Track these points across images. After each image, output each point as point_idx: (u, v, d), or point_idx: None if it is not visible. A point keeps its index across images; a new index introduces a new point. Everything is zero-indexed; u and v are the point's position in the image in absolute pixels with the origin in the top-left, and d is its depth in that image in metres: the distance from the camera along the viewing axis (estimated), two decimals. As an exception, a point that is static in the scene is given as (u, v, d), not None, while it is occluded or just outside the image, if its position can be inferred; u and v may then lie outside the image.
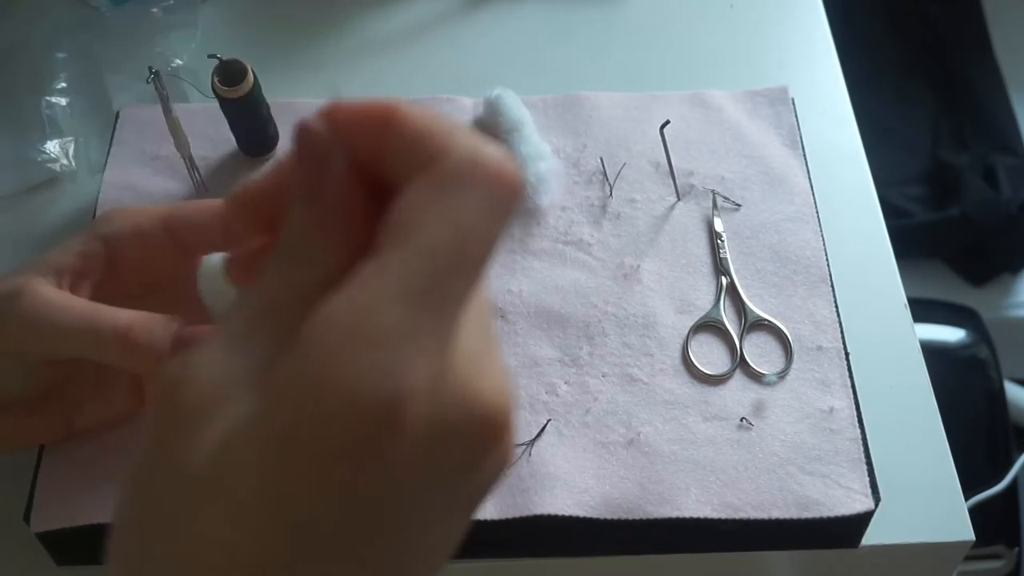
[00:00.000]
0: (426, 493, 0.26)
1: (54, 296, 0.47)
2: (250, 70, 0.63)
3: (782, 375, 0.57)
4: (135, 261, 0.50)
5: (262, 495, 0.24)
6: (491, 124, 0.67)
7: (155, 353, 0.45)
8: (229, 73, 0.63)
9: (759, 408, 0.56)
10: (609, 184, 0.65)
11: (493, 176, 0.26)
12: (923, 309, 1.14)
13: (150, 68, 0.61)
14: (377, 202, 0.28)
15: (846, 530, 0.54)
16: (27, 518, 0.52)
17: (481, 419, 0.26)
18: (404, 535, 0.26)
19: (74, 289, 0.49)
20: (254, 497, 0.24)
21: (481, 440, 0.26)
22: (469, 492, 0.27)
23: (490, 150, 0.26)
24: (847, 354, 0.58)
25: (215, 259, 0.47)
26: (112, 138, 0.68)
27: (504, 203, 0.26)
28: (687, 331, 0.59)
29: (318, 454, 0.24)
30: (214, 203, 0.51)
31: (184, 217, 0.50)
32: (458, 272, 0.25)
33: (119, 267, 0.50)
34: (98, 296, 0.49)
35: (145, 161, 0.67)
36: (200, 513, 0.24)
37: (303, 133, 0.27)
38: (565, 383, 0.57)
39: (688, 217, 0.64)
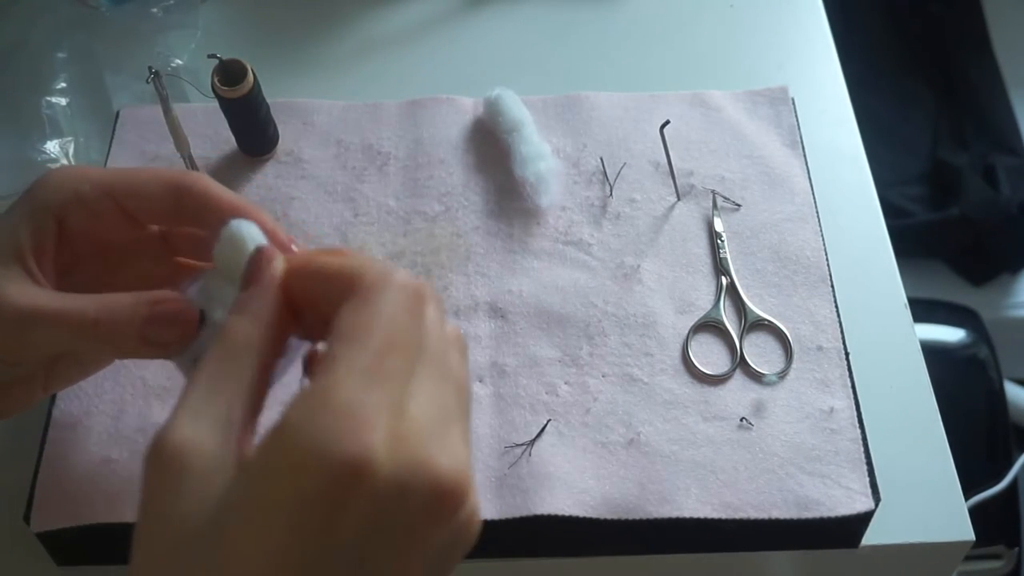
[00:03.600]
0: (391, 545, 0.31)
1: (24, 303, 0.45)
2: (250, 70, 0.63)
3: (782, 375, 0.57)
4: (82, 228, 0.48)
5: (257, 546, 0.30)
6: (491, 124, 0.67)
7: (126, 341, 0.44)
8: (229, 73, 0.63)
9: (759, 408, 0.56)
10: (609, 184, 0.65)
11: (401, 283, 0.34)
12: (923, 309, 1.15)
13: (150, 68, 0.61)
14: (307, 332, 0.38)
15: (846, 530, 0.54)
16: (27, 518, 0.52)
17: (433, 484, 0.31)
18: None
19: (40, 268, 0.47)
20: (250, 549, 0.30)
21: (435, 504, 0.31)
22: (433, 556, 0.32)
23: (394, 270, 0.35)
24: (847, 354, 0.58)
25: (241, 228, 0.42)
26: (112, 138, 0.68)
27: (415, 302, 0.34)
28: (687, 331, 0.59)
29: (299, 503, 0.30)
30: (162, 173, 0.48)
31: (130, 187, 0.48)
32: (391, 352, 0.32)
33: (68, 234, 0.48)
34: (58, 266, 0.48)
35: (145, 161, 0.67)
36: (200, 568, 0.30)
37: (258, 254, 0.38)
38: (565, 383, 0.57)
39: (688, 217, 0.64)
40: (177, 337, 0.43)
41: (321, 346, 0.37)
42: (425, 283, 0.35)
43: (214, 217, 0.45)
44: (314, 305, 0.37)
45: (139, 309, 0.44)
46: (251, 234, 0.41)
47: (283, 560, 0.30)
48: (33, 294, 0.46)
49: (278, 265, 0.38)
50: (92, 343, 0.45)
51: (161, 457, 0.32)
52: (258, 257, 0.39)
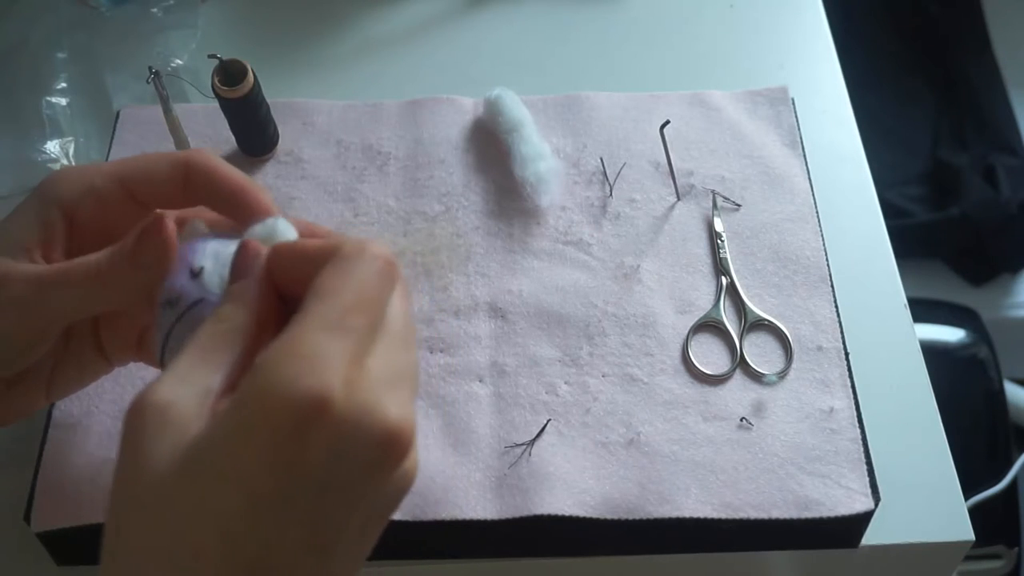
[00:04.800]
0: (349, 485, 0.34)
1: (33, 272, 0.46)
2: (250, 70, 0.63)
3: (782, 375, 0.57)
4: (92, 220, 0.49)
5: (234, 478, 0.32)
6: (491, 124, 0.67)
7: (123, 274, 0.45)
8: (229, 73, 0.63)
9: (759, 408, 0.56)
10: (609, 184, 0.65)
11: (374, 252, 0.37)
12: (923, 309, 1.15)
13: (150, 68, 0.61)
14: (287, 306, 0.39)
15: (846, 530, 0.54)
16: (27, 518, 0.52)
17: (384, 428, 0.34)
18: (332, 516, 0.34)
19: (47, 260, 0.47)
20: (227, 481, 0.32)
21: (385, 447, 0.34)
22: (380, 504, 0.36)
23: (371, 241, 0.38)
24: (847, 354, 0.58)
25: (277, 224, 0.44)
26: (112, 138, 0.68)
27: (386, 271, 0.37)
28: (687, 331, 0.59)
29: (269, 435, 0.32)
30: (167, 154, 0.49)
31: (139, 172, 0.48)
32: (357, 310, 0.35)
33: (78, 229, 0.48)
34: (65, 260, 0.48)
35: (145, 161, 0.67)
36: (170, 507, 0.33)
37: (243, 248, 0.41)
38: (565, 383, 0.57)
39: (688, 217, 0.64)
40: (158, 254, 0.43)
41: None
42: (397, 263, 0.38)
43: (222, 192, 0.47)
44: (299, 286, 0.39)
45: (128, 239, 0.45)
46: (285, 233, 0.43)
47: (257, 489, 0.32)
48: (40, 267, 0.47)
49: (263, 256, 0.40)
50: (100, 293, 0.46)
51: (141, 411, 0.34)
52: (244, 252, 0.41)
